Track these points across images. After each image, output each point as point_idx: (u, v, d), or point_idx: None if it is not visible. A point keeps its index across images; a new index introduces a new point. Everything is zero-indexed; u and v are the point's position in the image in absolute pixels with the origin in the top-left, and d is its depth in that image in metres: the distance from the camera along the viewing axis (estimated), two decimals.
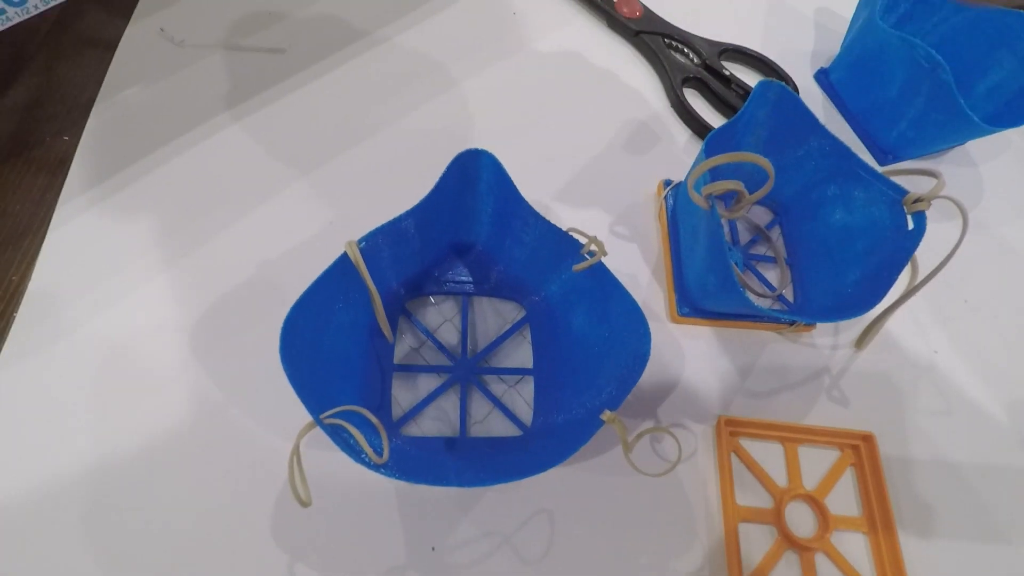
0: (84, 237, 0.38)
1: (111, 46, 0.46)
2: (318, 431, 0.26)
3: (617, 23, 0.52)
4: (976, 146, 0.51)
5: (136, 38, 0.45)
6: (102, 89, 0.44)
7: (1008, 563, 0.35)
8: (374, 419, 0.27)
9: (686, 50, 0.51)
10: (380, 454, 0.26)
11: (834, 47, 0.53)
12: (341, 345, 0.30)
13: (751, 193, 0.33)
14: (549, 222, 0.32)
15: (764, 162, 0.29)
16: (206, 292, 0.37)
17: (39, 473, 0.32)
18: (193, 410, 0.34)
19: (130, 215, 0.39)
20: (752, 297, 0.41)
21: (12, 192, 0.40)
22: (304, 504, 0.25)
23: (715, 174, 0.38)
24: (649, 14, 0.52)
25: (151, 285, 0.37)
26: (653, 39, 0.51)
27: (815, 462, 0.37)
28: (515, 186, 0.33)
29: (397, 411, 0.34)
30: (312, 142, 0.43)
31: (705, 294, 0.37)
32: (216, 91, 0.44)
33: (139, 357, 0.35)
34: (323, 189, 0.41)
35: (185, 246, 0.38)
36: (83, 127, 0.42)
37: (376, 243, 0.30)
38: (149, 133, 0.42)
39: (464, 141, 0.36)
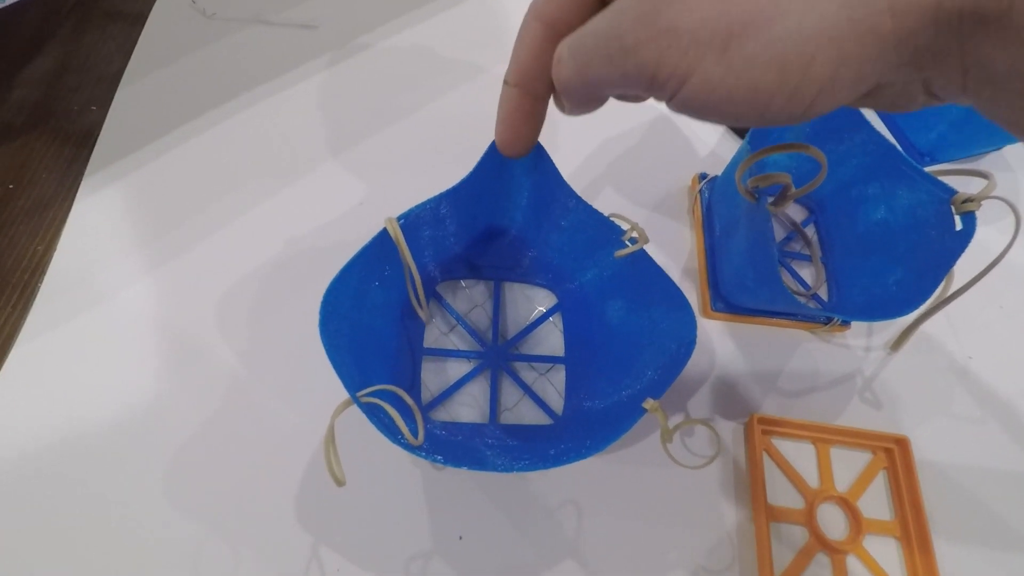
0: (111, 209, 0.38)
1: (141, 17, 0.45)
2: (349, 412, 0.25)
3: None
4: (1013, 151, 0.50)
5: (166, 9, 0.45)
6: (131, 61, 0.43)
7: None
8: (410, 400, 0.27)
9: None
10: (415, 436, 0.25)
11: None
12: (376, 324, 0.30)
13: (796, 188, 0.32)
14: (591, 207, 0.31)
15: (817, 153, 0.28)
16: (234, 268, 0.36)
17: (56, 447, 0.31)
18: (219, 388, 0.33)
19: (158, 188, 0.38)
20: None
21: (39, 161, 0.39)
22: (339, 483, 0.24)
23: (757, 168, 0.37)
24: None
25: (178, 260, 0.36)
26: None
27: (847, 464, 0.36)
28: (557, 169, 0.32)
29: (426, 395, 0.33)
30: (344, 121, 0.42)
31: (742, 289, 0.36)
32: (247, 65, 0.43)
33: (165, 333, 0.34)
34: (355, 168, 0.40)
35: (214, 221, 0.38)
36: (111, 99, 0.41)
37: (415, 222, 0.30)
38: (179, 106, 0.41)
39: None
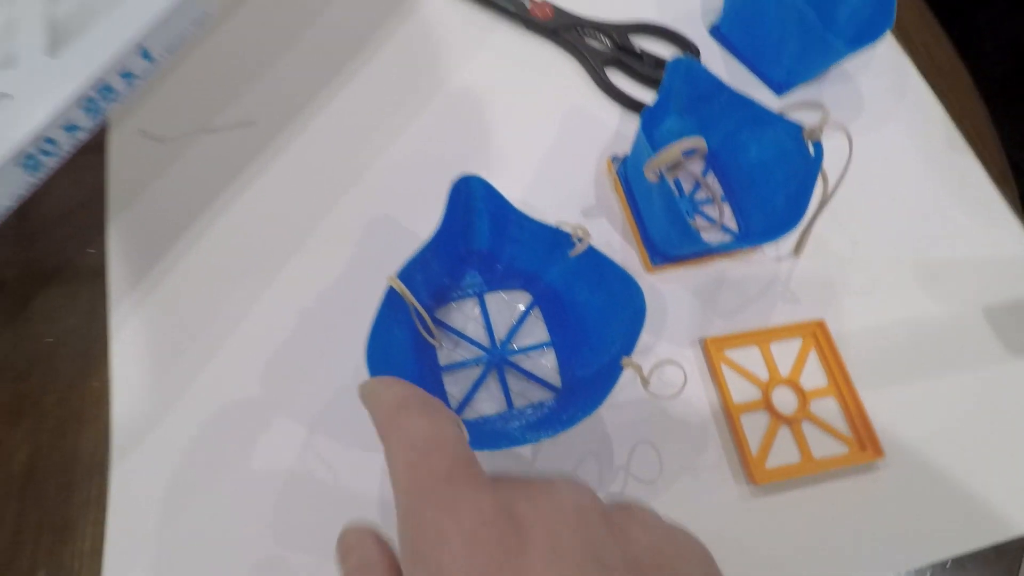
0: (146, 332, 0.43)
1: (98, 152, 0.49)
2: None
3: (534, 25, 0.58)
4: (851, 62, 0.60)
5: (121, 144, 0.49)
6: (108, 197, 0.47)
7: (946, 389, 0.46)
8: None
9: (600, 36, 0.58)
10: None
11: (720, 2, 0.60)
12: (402, 358, 0.37)
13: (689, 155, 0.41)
14: (538, 221, 0.40)
15: (699, 143, 0.37)
16: (265, 350, 0.43)
17: None
18: (286, 457, 0.40)
19: (177, 302, 0.44)
20: (704, 236, 0.49)
21: (64, 306, 0.44)
22: None
23: (655, 144, 0.46)
24: (559, 12, 0.58)
25: (222, 358, 0.42)
26: (569, 33, 0.58)
27: (785, 353, 0.46)
28: (504, 197, 0.40)
29: (453, 404, 0.41)
30: (313, 196, 0.48)
31: (670, 245, 0.45)
32: (209, 173, 0.48)
33: (228, 430, 0.41)
34: (336, 234, 0.47)
35: (235, 315, 0.43)
36: (104, 237, 0.46)
37: (409, 272, 0.37)
38: (168, 226, 0.46)
39: (441, 165, 0.44)
